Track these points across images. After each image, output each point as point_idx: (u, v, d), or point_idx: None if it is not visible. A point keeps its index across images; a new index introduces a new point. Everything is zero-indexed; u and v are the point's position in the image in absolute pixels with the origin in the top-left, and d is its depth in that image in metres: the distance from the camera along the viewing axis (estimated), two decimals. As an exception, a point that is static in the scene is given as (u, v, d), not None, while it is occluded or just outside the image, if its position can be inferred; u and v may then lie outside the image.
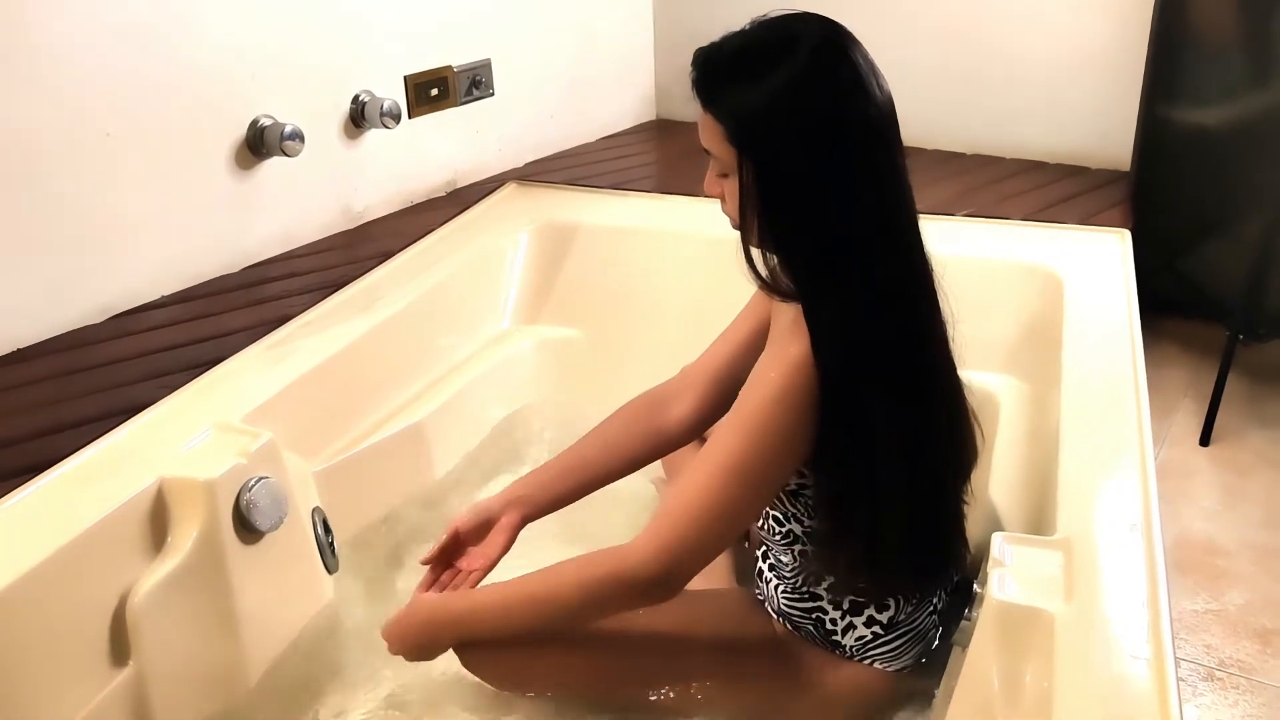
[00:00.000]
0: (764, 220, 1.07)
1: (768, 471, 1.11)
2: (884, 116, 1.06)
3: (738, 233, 1.10)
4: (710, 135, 1.08)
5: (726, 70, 1.06)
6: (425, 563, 1.33)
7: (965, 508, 1.24)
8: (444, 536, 1.33)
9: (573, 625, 1.22)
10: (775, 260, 1.11)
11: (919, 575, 1.23)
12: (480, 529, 1.33)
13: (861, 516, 1.13)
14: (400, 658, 1.27)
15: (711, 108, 1.06)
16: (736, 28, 1.09)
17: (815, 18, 1.07)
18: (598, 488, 1.37)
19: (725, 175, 1.09)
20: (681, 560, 1.11)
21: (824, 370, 1.06)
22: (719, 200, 1.12)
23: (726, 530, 1.13)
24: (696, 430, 1.40)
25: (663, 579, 1.11)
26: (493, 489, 1.84)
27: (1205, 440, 2.13)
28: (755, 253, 1.10)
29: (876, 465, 1.10)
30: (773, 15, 1.08)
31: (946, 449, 1.17)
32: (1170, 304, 2.36)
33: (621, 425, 1.39)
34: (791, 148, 1.03)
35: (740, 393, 1.13)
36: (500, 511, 1.33)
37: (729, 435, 1.11)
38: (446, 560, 1.33)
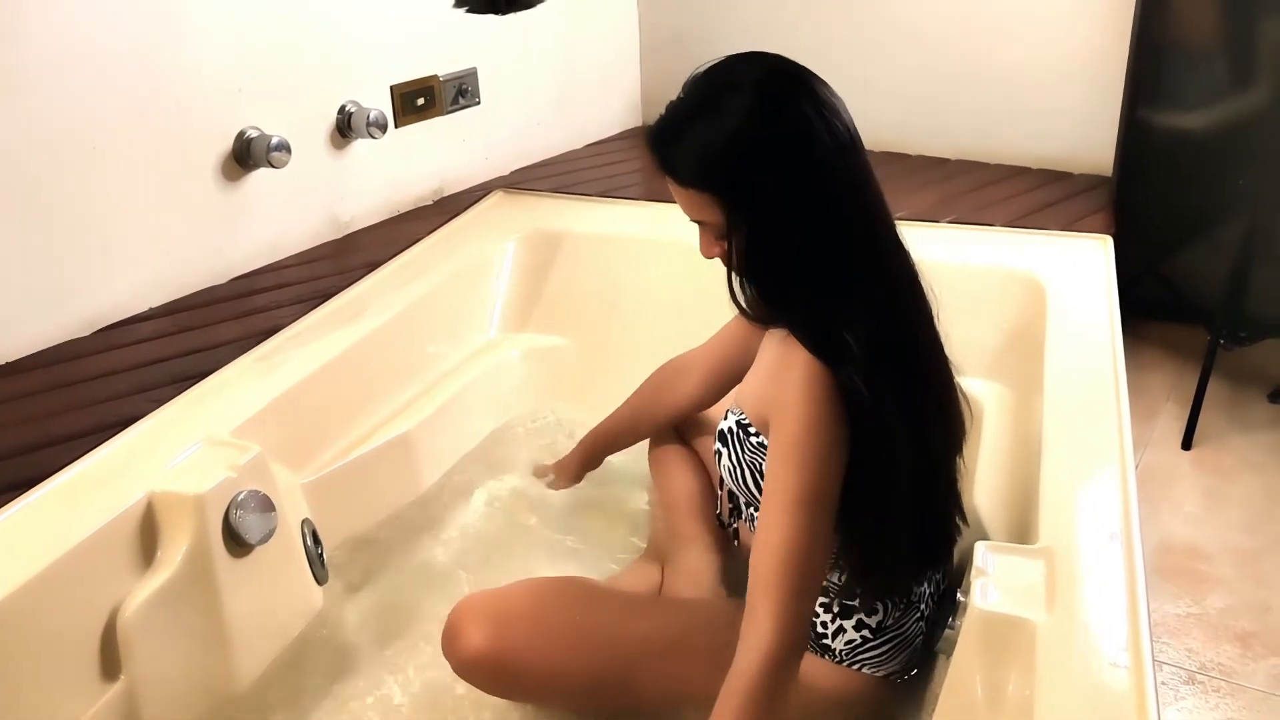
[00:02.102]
0: (756, 271, 1.12)
1: (829, 491, 1.10)
2: (847, 136, 1.08)
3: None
4: (688, 205, 1.12)
5: (677, 137, 1.09)
6: None
7: (958, 481, 1.27)
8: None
9: None
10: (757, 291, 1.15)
11: (924, 551, 1.25)
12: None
13: (867, 504, 1.14)
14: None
15: (678, 180, 1.10)
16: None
17: (747, 57, 1.11)
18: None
19: (719, 238, 1.12)
20: (798, 613, 1.10)
21: (841, 377, 1.08)
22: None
23: (817, 565, 1.12)
24: (695, 411, 1.59)
25: (794, 639, 1.10)
26: (483, 497, 1.84)
27: (1187, 444, 2.15)
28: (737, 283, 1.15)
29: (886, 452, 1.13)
30: (704, 67, 1.12)
31: (943, 425, 1.20)
32: (1152, 308, 2.38)
33: (648, 398, 1.62)
34: (761, 182, 1.06)
35: (770, 435, 1.13)
36: (579, 456, 1.69)
37: (783, 473, 1.10)
38: None
